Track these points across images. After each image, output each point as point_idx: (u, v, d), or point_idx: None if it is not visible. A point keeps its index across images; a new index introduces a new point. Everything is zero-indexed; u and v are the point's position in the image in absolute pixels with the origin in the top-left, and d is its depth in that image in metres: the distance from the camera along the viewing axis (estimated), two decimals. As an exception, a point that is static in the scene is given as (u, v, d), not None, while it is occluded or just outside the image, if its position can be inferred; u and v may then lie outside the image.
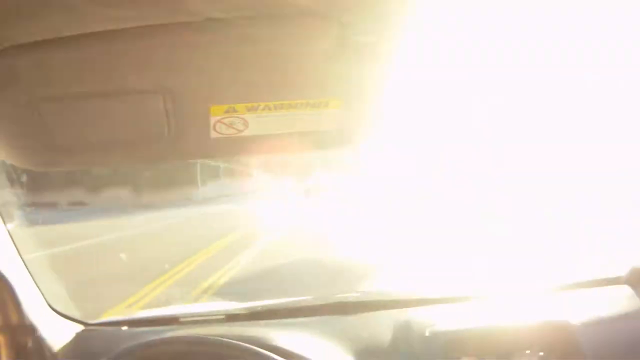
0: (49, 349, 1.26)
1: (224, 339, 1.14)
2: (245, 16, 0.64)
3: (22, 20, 0.64)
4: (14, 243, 1.19)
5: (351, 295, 1.48)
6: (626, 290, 1.40)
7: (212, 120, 0.81)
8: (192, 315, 1.51)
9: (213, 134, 0.84)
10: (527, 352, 1.20)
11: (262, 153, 0.93)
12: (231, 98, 0.78)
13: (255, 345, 1.11)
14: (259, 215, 13.04)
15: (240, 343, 1.12)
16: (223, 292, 5.26)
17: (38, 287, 1.27)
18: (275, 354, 1.10)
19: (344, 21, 0.64)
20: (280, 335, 1.25)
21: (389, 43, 0.69)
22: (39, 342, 1.21)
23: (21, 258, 1.22)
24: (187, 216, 14.33)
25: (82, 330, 1.45)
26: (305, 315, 1.42)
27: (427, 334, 1.21)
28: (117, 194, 18.23)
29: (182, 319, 1.46)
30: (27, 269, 1.23)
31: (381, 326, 1.28)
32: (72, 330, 1.42)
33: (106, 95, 0.77)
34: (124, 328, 1.47)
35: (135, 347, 1.19)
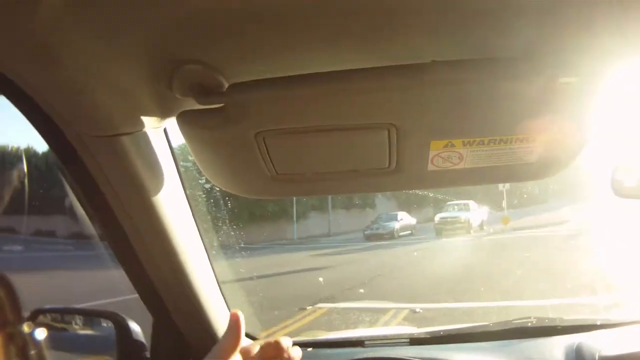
0: None
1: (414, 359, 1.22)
2: (466, 59, 0.71)
3: (253, 59, 0.73)
4: (212, 266, 1.21)
5: (527, 321, 1.47)
6: None
7: (431, 154, 0.86)
8: (377, 338, 1.52)
9: (430, 167, 0.88)
10: None
11: (472, 184, 1.00)
12: (450, 134, 0.83)
13: None
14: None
15: None
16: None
17: (227, 305, 1.29)
18: None
19: (552, 64, 0.71)
20: (463, 357, 1.29)
21: (595, 82, 0.74)
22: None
23: (217, 280, 1.24)
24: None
25: None
26: (485, 340, 1.42)
27: (596, 358, 1.21)
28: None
29: (366, 342, 1.47)
30: (220, 289, 1.26)
31: (554, 350, 1.29)
32: None
33: (332, 130, 0.82)
34: (309, 349, 1.49)
35: None
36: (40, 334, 0.50)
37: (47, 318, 1.29)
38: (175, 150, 1.00)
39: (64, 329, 1.33)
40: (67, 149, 0.87)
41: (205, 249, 1.18)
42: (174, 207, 1.02)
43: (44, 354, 0.51)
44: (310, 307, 5.73)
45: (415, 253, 11.59)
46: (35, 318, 1.23)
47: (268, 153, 0.84)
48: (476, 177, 0.93)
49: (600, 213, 12.84)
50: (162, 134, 0.95)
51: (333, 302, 5.97)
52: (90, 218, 1.02)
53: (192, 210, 1.09)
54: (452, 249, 11.94)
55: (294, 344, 1.48)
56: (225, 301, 1.27)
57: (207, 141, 0.85)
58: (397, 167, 0.88)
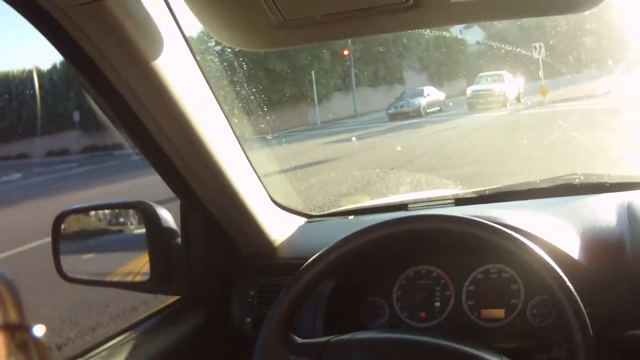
0: (271, 242, 1.33)
1: (454, 215, 1.03)
2: None
3: None
4: (243, 148, 1.22)
5: (574, 177, 1.42)
6: None
7: None
8: (421, 200, 1.48)
9: None
10: None
11: (499, 17, 0.95)
12: None
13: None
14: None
15: (473, 218, 1.01)
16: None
17: (262, 183, 1.31)
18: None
19: None
20: (510, 215, 1.19)
21: None
22: (262, 236, 1.31)
23: (248, 160, 1.25)
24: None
25: (306, 222, 1.47)
26: (531, 197, 1.37)
27: None
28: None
29: (410, 205, 1.43)
30: (253, 168, 1.27)
31: (604, 208, 1.21)
32: (296, 223, 1.46)
33: None
34: (351, 217, 1.46)
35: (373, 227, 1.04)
36: (40, 331, 0.49)
37: (75, 219, 1.30)
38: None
39: (94, 227, 1.34)
40: (49, 24, 0.81)
41: (226, 116, 1.14)
42: (182, 74, 0.97)
43: (46, 353, 0.50)
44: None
45: (445, 132, 10.70)
46: (62, 220, 1.24)
47: None
48: (503, 10, 0.89)
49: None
50: None
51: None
52: (98, 103, 0.97)
53: (205, 77, 1.04)
54: (487, 127, 10.97)
55: (333, 214, 1.43)
56: (258, 176, 1.27)
57: None
58: (416, 1, 0.82)
